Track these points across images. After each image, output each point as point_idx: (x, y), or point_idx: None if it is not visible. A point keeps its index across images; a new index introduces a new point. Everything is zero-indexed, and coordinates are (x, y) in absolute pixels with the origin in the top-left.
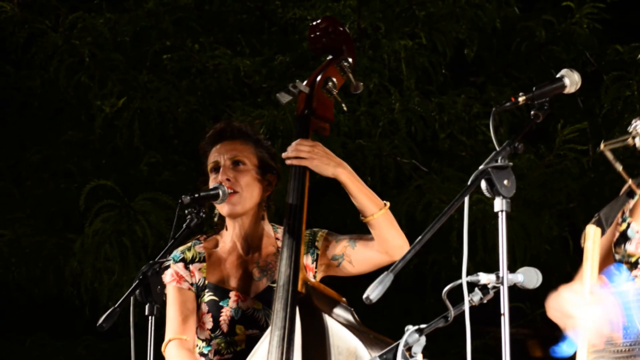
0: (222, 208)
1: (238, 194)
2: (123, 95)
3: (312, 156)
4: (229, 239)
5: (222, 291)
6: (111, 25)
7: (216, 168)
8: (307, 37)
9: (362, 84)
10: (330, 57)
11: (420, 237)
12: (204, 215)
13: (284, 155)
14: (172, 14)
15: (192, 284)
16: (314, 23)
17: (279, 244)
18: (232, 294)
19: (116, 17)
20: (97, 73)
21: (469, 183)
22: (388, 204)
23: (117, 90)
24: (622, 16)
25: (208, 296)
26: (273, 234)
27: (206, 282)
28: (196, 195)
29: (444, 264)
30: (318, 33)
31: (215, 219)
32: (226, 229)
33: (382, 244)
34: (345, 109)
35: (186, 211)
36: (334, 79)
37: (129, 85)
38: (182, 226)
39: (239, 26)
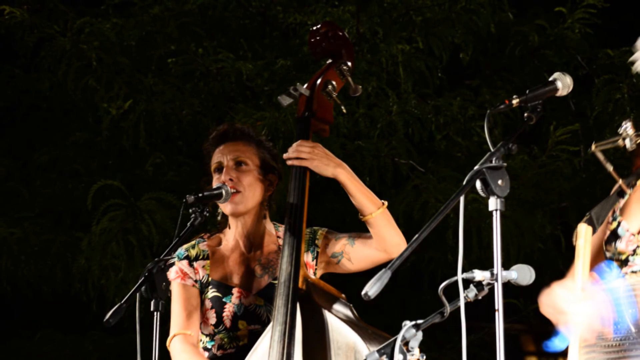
0: (225, 207)
1: (240, 193)
2: (129, 98)
3: (313, 157)
4: (231, 237)
5: (225, 288)
6: (118, 30)
7: (219, 168)
8: (308, 41)
9: (360, 87)
10: (330, 61)
11: (417, 235)
12: (207, 214)
13: (285, 156)
14: (176, 19)
15: (196, 281)
16: (314, 28)
17: (280, 242)
18: (234, 291)
19: (122, 22)
20: (104, 76)
21: (464, 183)
22: (386, 203)
23: (123, 92)
24: (613, 21)
25: (211, 292)
26: (274, 232)
27: (210, 279)
28: (200, 195)
29: (440, 262)
30: (318, 38)
31: (219, 218)
32: (229, 228)
33: (380, 242)
34: (344, 111)
35: (190, 210)
36: (334, 82)
37: (134, 88)
38: (186, 225)
39: (242, 31)
